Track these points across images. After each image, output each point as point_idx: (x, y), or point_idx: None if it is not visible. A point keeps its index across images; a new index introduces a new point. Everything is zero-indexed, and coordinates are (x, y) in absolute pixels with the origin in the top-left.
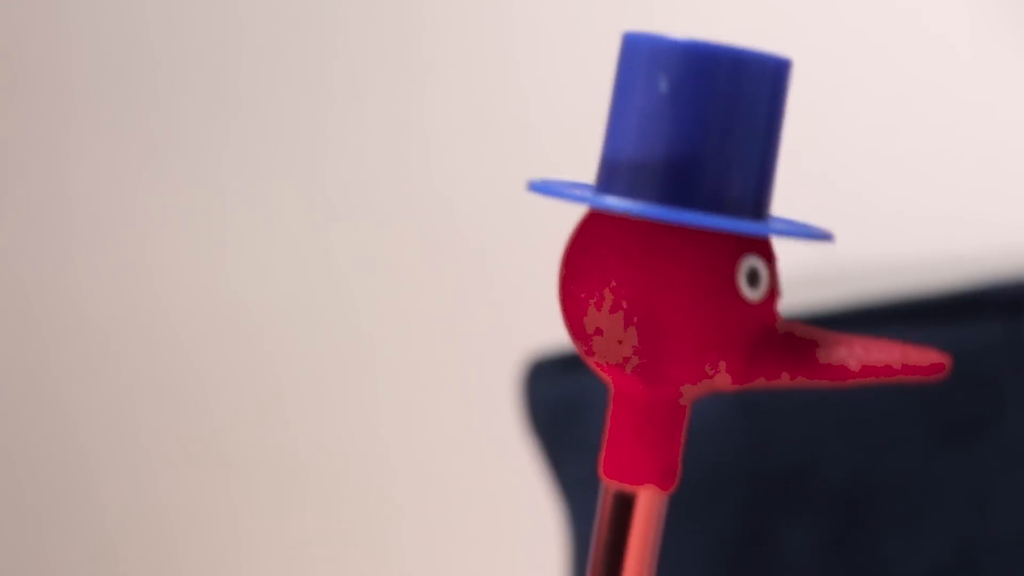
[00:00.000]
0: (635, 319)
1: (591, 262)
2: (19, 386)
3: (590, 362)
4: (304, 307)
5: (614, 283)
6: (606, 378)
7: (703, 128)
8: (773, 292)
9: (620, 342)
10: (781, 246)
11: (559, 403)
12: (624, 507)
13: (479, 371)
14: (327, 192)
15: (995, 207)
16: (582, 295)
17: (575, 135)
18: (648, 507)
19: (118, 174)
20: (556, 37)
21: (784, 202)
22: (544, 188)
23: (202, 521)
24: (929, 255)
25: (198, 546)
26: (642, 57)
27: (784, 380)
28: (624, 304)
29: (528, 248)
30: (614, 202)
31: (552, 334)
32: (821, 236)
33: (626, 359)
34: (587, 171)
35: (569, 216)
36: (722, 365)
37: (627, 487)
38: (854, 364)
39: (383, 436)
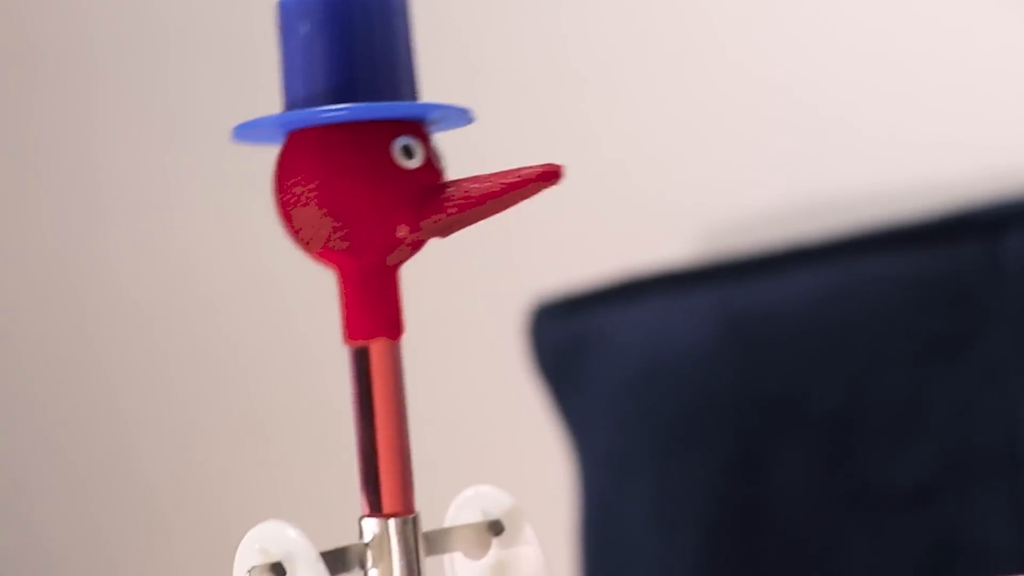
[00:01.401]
0: (324, 207)
1: (286, 173)
2: (62, 361)
3: (310, 253)
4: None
5: (303, 182)
6: (326, 263)
7: (345, 48)
8: (429, 160)
9: (320, 228)
10: (765, 185)
11: (564, 343)
12: (363, 360)
13: (487, 313)
14: None
15: (972, 131)
16: (286, 200)
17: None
18: (382, 355)
19: (145, 149)
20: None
21: (771, 131)
22: (242, 127)
23: (240, 481)
24: (909, 181)
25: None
26: (289, 13)
27: (447, 219)
28: (314, 197)
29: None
30: (289, 116)
31: (558, 276)
32: (464, 118)
33: (329, 240)
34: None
35: (580, 168)
36: (403, 227)
37: (363, 343)
38: (481, 190)
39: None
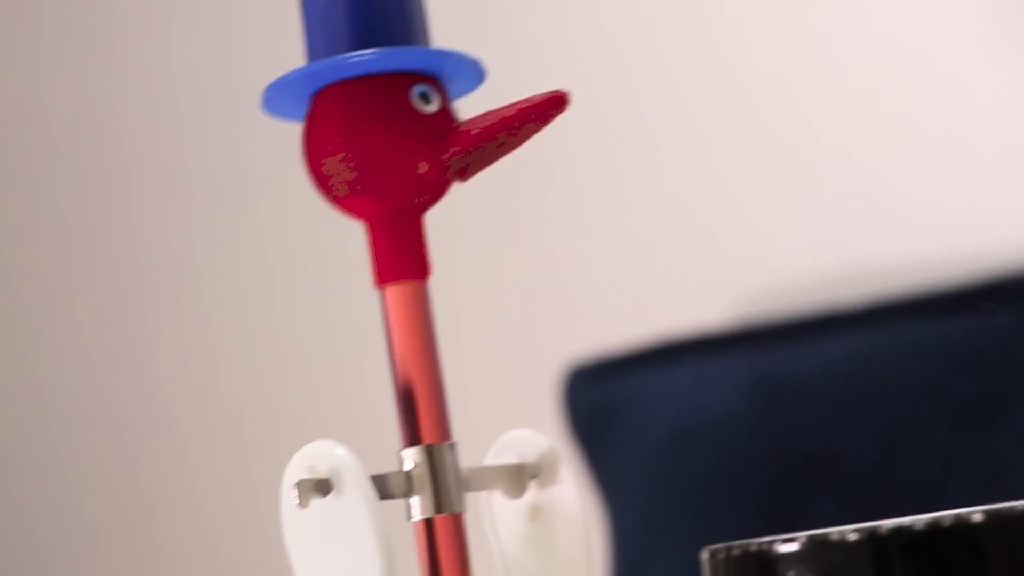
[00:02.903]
0: (348, 153)
1: (313, 127)
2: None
3: (339, 206)
4: (338, 317)
5: (329, 133)
6: (353, 214)
7: (360, 8)
8: (445, 106)
9: (346, 175)
10: (798, 252)
11: (598, 408)
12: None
13: (519, 376)
14: None
15: (1003, 198)
16: (313, 151)
17: None
18: (408, 296)
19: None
20: None
21: (805, 199)
22: (269, 89)
23: None
24: (941, 248)
25: None
26: None
27: (466, 155)
28: (338, 145)
29: (568, 253)
30: (298, 73)
31: (593, 339)
32: (473, 66)
33: (353, 186)
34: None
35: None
36: (423, 165)
37: (392, 285)
38: (496, 117)
39: None
